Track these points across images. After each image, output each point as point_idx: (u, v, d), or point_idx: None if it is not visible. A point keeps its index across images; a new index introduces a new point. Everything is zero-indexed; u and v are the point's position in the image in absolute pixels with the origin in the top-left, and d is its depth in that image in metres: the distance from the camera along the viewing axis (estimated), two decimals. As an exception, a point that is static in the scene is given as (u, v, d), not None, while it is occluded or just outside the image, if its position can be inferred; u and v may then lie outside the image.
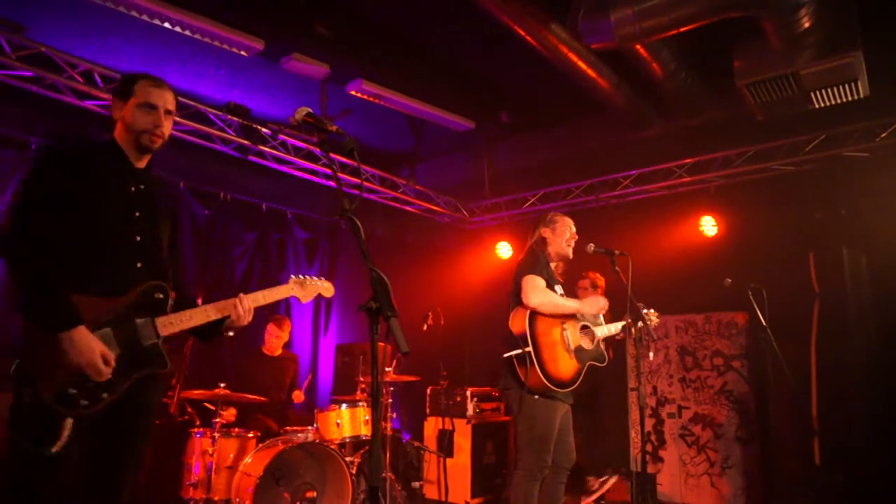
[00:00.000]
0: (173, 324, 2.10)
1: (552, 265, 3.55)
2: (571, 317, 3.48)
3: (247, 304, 2.28)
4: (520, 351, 3.27)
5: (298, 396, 5.04)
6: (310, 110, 1.90)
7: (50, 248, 1.94)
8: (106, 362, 1.92)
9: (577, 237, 3.60)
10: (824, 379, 5.02)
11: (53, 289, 1.91)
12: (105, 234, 2.06)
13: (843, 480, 4.69)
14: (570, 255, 3.60)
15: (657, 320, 3.91)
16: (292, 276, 2.54)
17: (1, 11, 4.00)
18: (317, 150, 5.70)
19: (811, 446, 4.94)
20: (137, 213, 2.14)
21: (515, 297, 3.41)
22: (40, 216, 1.96)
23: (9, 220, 1.97)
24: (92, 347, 1.89)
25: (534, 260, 3.46)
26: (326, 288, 2.62)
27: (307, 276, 2.59)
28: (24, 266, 1.91)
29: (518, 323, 3.34)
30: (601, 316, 3.66)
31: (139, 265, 2.10)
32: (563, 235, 3.54)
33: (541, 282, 3.34)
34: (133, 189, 2.16)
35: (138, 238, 2.12)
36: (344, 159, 5.68)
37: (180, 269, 2.38)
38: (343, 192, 1.85)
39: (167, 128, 2.22)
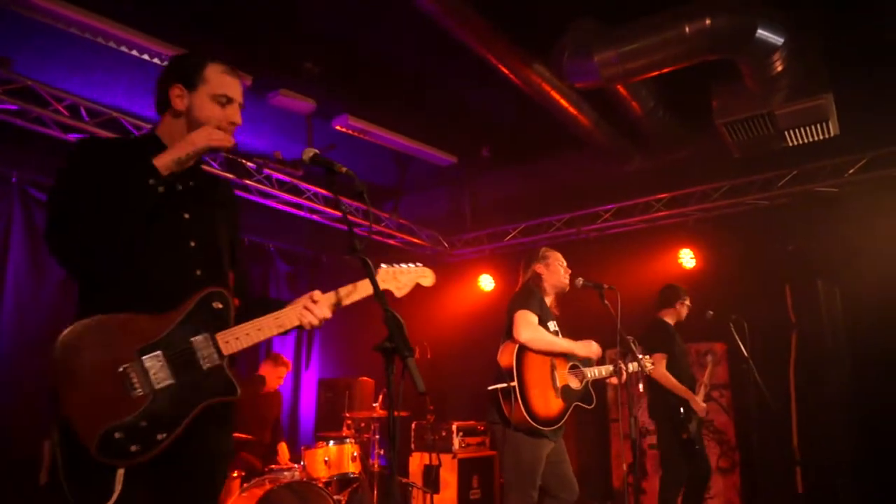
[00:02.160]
0: (239, 339, 1.71)
1: (547, 300, 3.58)
2: (561, 355, 3.49)
3: (323, 310, 1.87)
4: (504, 385, 3.26)
5: (283, 455, 4.88)
6: (317, 151, 1.91)
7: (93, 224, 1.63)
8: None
9: (570, 270, 3.64)
10: (804, 408, 5.12)
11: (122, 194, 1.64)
12: (152, 241, 1.72)
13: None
14: (568, 287, 3.62)
15: (651, 366, 3.93)
16: (382, 266, 2.04)
17: (-13, 45, 3.97)
18: (301, 185, 5.71)
19: (793, 475, 5.01)
20: (187, 215, 1.81)
21: (507, 331, 3.42)
22: (79, 199, 1.65)
23: (48, 212, 1.68)
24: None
25: (528, 295, 3.48)
26: (425, 276, 2.12)
27: (400, 265, 2.09)
28: (79, 240, 1.62)
29: (506, 357, 3.34)
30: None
31: (198, 273, 1.77)
32: (556, 270, 3.58)
33: (533, 318, 3.35)
34: (181, 187, 1.82)
35: (193, 243, 1.79)
36: (320, 189, 5.71)
37: (244, 271, 2.03)
38: (353, 234, 1.83)
39: (232, 131, 1.90)
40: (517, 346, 3.31)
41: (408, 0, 3.68)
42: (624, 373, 3.50)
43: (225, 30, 4.26)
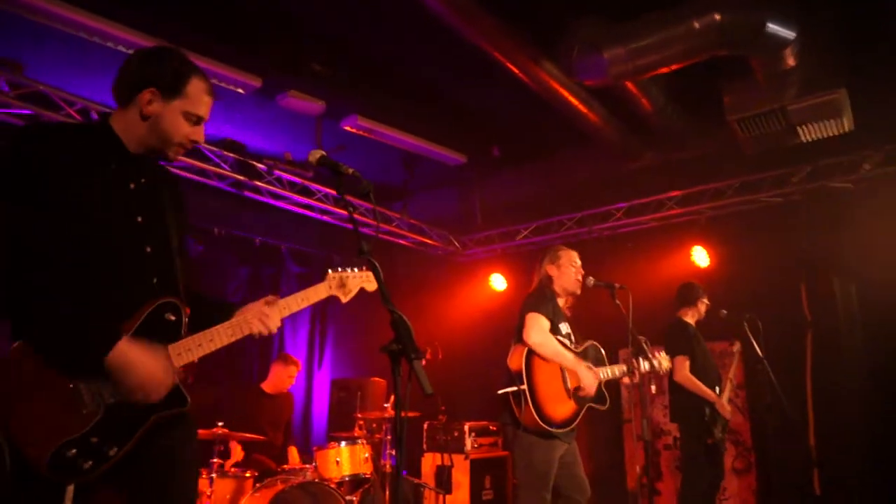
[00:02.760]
0: (191, 351, 1.69)
1: (560, 301, 3.55)
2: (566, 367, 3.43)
3: (274, 319, 1.86)
4: (514, 388, 3.24)
5: (294, 458, 4.89)
6: (324, 153, 1.91)
7: (43, 261, 1.51)
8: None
9: (582, 271, 3.60)
10: (821, 408, 5.05)
11: (68, 306, 1.51)
12: (106, 246, 1.61)
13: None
14: (578, 291, 3.58)
15: (668, 364, 3.86)
16: (329, 272, 2.06)
17: (0, 49, 4.01)
18: (312, 185, 5.73)
19: (811, 476, 4.94)
20: (140, 218, 1.70)
21: (518, 333, 3.39)
22: (20, 217, 1.52)
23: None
24: (157, 356, 1.58)
25: (540, 296, 3.45)
26: (369, 279, 2.12)
27: (345, 270, 2.12)
28: (18, 293, 1.49)
29: (516, 360, 3.31)
30: (604, 358, 3.63)
31: (154, 281, 1.69)
32: (568, 272, 3.54)
33: (544, 322, 3.32)
34: (133, 186, 1.72)
35: (148, 249, 1.70)
36: (330, 190, 5.72)
37: (192, 273, 1.90)
38: (360, 235, 1.83)
39: (197, 139, 1.86)
40: (526, 348, 3.29)
41: (415, 0, 3.67)
42: (638, 373, 3.46)
43: (234, 32, 4.28)
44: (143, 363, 1.55)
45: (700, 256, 5.81)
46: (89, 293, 1.57)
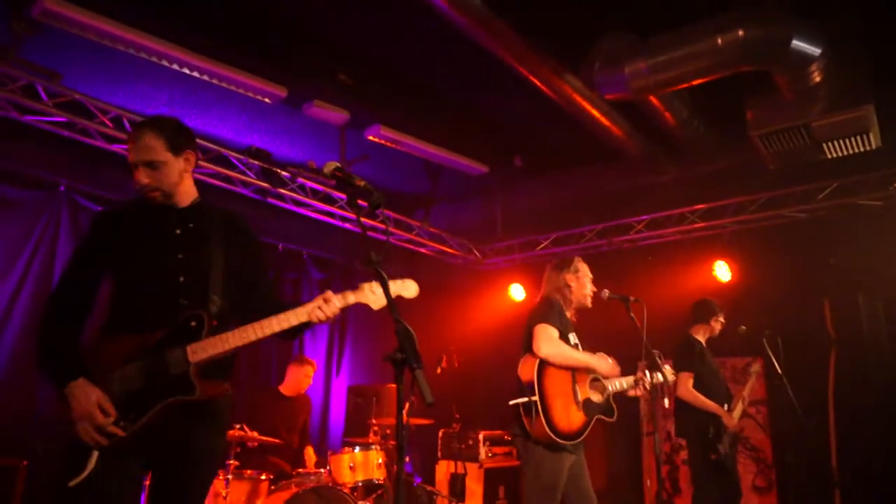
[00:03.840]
0: (205, 349, 2.03)
1: (568, 312, 3.56)
2: (583, 369, 3.45)
3: (331, 309, 2.16)
4: (525, 399, 3.24)
5: (310, 458, 4.95)
6: (338, 165, 1.97)
7: (67, 311, 2.11)
8: (104, 412, 1.94)
9: (594, 289, 3.60)
10: (843, 427, 4.96)
11: (55, 349, 2.06)
12: (146, 279, 2.10)
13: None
14: (590, 305, 3.59)
15: (672, 377, 3.85)
16: (364, 285, 2.25)
17: (39, 59, 4.17)
18: (334, 193, 5.82)
19: (832, 497, 4.85)
20: (181, 255, 2.14)
21: (527, 344, 3.40)
22: (69, 281, 2.15)
23: None
24: (89, 399, 1.94)
25: (548, 307, 3.45)
26: (407, 287, 2.31)
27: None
28: (39, 330, 2.09)
29: (527, 371, 3.31)
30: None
31: (183, 301, 2.09)
32: (585, 285, 3.54)
33: (554, 332, 3.32)
34: (179, 231, 2.18)
35: (182, 279, 2.11)
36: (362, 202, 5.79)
37: (259, 292, 2.30)
38: (370, 243, 1.89)
39: (151, 179, 2.13)
40: (538, 360, 3.30)
41: (438, 13, 3.73)
42: (644, 385, 3.45)
43: (261, 43, 4.39)
44: (78, 401, 1.95)
45: (722, 271, 5.76)
46: (123, 311, 2.10)
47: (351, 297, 2.21)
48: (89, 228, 2.21)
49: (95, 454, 1.92)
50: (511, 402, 3.32)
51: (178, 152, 2.19)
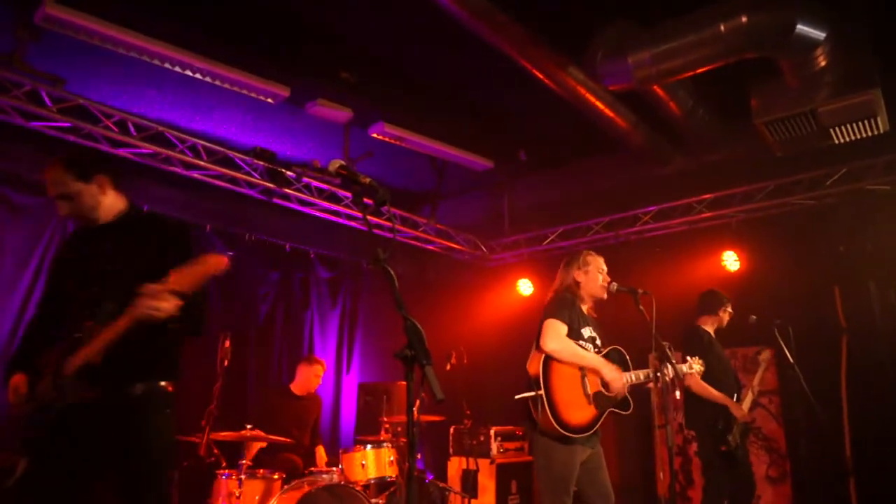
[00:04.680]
0: (76, 359, 2.22)
1: (583, 306, 3.53)
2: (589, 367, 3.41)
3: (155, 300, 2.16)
4: (532, 394, 3.24)
5: (321, 458, 4.97)
6: (343, 163, 1.97)
7: (28, 330, 2.57)
8: (17, 394, 2.33)
9: (608, 277, 3.57)
10: (857, 416, 4.92)
11: (11, 360, 2.50)
12: (78, 297, 2.37)
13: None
14: (605, 296, 3.56)
15: (701, 368, 3.81)
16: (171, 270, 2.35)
17: (43, 65, 4.19)
18: (340, 192, 5.82)
19: (847, 487, 4.81)
20: (108, 267, 2.37)
21: (537, 339, 3.41)
22: (40, 299, 2.62)
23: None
24: (10, 386, 2.34)
25: (558, 302, 3.44)
26: (211, 261, 2.23)
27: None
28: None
29: (534, 365, 3.30)
30: (629, 362, 3.60)
31: (107, 311, 2.25)
32: (595, 278, 3.52)
33: (561, 327, 3.31)
34: (107, 245, 2.43)
35: (102, 290, 2.30)
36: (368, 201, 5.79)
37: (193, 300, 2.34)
38: (376, 240, 1.88)
39: (69, 209, 2.40)
40: (544, 354, 3.28)
41: (440, 8, 3.72)
42: (663, 379, 3.42)
43: (263, 43, 4.39)
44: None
45: (731, 261, 5.72)
46: (58, 329, 2.42)
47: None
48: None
49: (22, 461, 2.19)
50: (517, 397, 3.32)
51: (88, 180, 2.40)
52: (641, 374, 3.53)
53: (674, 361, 3.49)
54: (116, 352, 2.19)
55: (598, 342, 3.53)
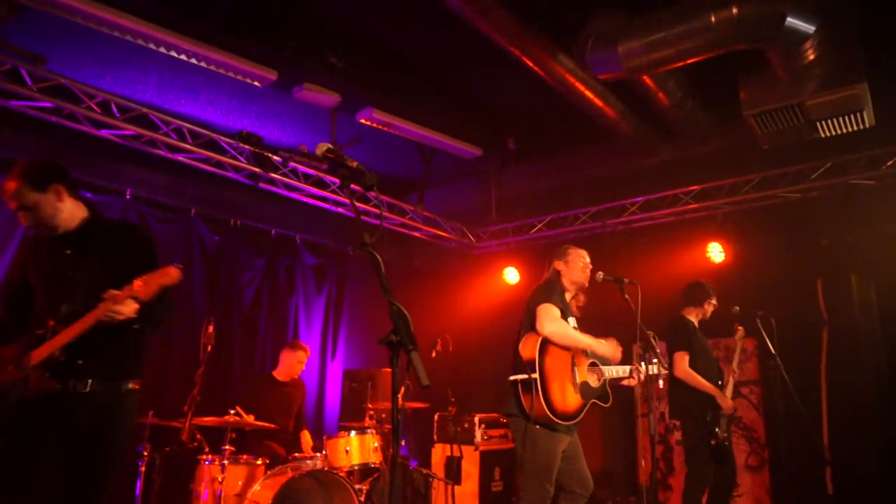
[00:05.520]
0: (40, 351, 2.38)
1: (568, 296, 3.57)
2: (582, 352, 3.48)
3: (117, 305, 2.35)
4: (526, 376, 3.27)
5: (307, 443, 4.97)
6: (330, 146, 1.94)
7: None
8: None
9: (591, 266, 3.61)
10: (835, 407, 5.00)
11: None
12: (41, 298, 2.50)
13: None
14: (587, 283, 3.61)
15: (665, 371, 3.84)
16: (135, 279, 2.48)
17: (24, 43, 4.10)
18: (326, 178, 5.78)
19: (823, 475, 4.90)
20: (69, 272, 2.49)
21: (528, 324, 3.41)
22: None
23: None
24: None
25: (550, 289, 3.48)
26: (165, 274, 2.43)
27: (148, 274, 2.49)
28: None
29: (529, 348, 3.33)
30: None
31: (70, 312, 2.41)
32: (576, 266, 3.57)
33: (556, 311, 3.35)
34: (69, 252, 2.52)
35: (67, 293, 2.45)
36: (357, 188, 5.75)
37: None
38: (363, 226, 1.86)
39: (30, 219, 2.48)
40: (540, 338, 3.31)
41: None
42: (640, 375, 3.46)
43: (250, 26, 4.33)
44: None
45: (716, 252, 5.76)
46: (28, 324, 2.52)
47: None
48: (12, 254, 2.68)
49: None
50: (511, 378, 3.33)
51: (44, 189, 2.45)
52: (620, 370, 3.60)
53: (658, 351, 3.52)
54: (79, 348, 2.35)
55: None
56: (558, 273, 3.57)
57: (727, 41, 3.80)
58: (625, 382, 3.63)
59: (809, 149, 5.09)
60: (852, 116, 4.31)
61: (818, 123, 4.43)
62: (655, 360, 3.46)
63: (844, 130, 4.50)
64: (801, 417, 4.45)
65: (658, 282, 4.97)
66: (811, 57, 3.94)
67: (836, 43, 3.97)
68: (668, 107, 4.88)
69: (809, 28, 3.71)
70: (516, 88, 5.14)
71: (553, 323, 3.31)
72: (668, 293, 4.75)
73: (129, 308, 2.33)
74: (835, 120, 4.36)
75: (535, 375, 3.23)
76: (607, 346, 3.51)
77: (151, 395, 4.82)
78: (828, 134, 4.56)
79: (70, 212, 2.54)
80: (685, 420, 4.39)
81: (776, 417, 5.25)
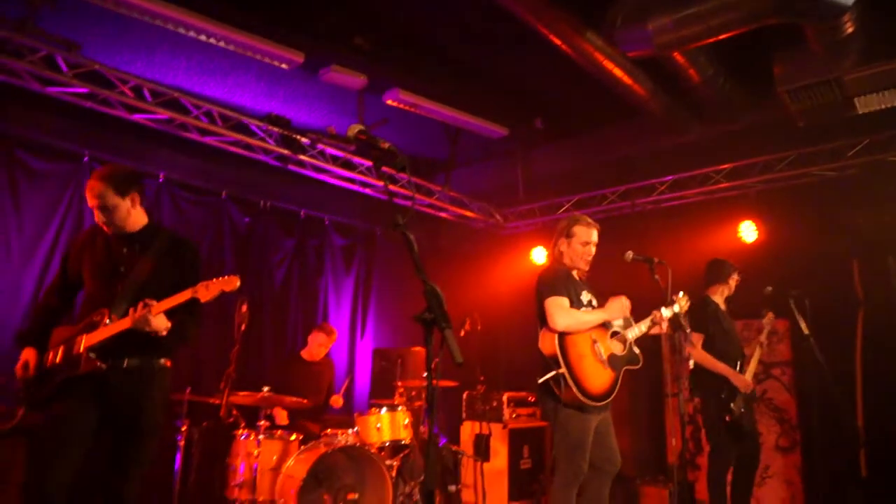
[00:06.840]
0: (92, 336, 2.65)
1: (576, 273, 3.57)
2: (600, 326, 3.47)
3: (150, 316, 2.61)
4: (554, 373, 3.27)
5: (337, 401, 5.14)
6: (362, 127, 1.96)
7: (40, 310, 2.94)
8: (25, 367, 2.76)
9: (593, 250, 3.56)
10: (870, 389, 4.92)
11: (23, 333, 2.92)
12: (94, 288, 2.80)
13: (891, 493, 4.59)
14: (586, 268, 3.58)
15: (686, 302, 3.77)
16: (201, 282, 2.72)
17: (58, 30, 4.18)
18: (354, 159, 5.81)
19: (857, 457, 4.84)
20: (122, 268, 2.76)
21: (541, 318, 3.41)
22: (52, 282, 2.98)
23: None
24: (22, 359, 2.77)
25: (552, 277, 3.46)
26: (228, 282, 2.71)
27: (213, 280, 2.72)
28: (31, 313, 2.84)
29: (548, 345, 3.33)
30: (630, 317, 3.63)
31: (122, 306, 2.69)
32: (576, 250, 3.52)
33: (564, 301, 3.34)
34: (125, 250, 2.81)
35: (119, 287, 2.73)
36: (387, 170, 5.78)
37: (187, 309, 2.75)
38: (395, 207, 1.88)
39: (105, 218, 2.76)
40: (556, 333, 3.31)
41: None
42: (660, 320, 3.45)
43: (278, 9, 4.35)
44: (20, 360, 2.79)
45: (748, 231, 5.66)
46: (79, 309, 2.85)
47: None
48: (67, 247, 3.06)
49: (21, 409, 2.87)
50: (540, 381, 3.34)
51: (124, 195, 2.76)
52: (643, 325, 3.57)
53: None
54: (123, 335, 2.62)
55: (594, 303, 3.56)
56: (561, 254, 3.55)
57: (762, 15, 3.70)
58: (654, 331, 3.60)
59: (845, 126, 4.95)
60: (892, 91, 4.18)
61: (856, 99, 4.30)
62: (676, 295, 3.43)
63: (883, 106, 4.37)
64: (835, 399, 4.39)
65: (689, 262, 4.90)
66: (850, 30, 3.81)
67: (875, 15, 3.84)
68: (698, 84, 4.78)
69: (848, 0, 3.59)
70: (543, 67, 5.07)
71: (564, 317, 3.29)
72: (699, 273, 4.70)
73: (159, 324, 2.61)
74: (873, 95, 4.23)
75: (563, 370, 3.23)
76: (617, 308, 3.48)
77: (189, 373, 4.97)
78: (865, 110, 4.43)
79: (136, 217, 2.85)
80: (703, 400, 4.39)
81: (809, 399, 5.19)
